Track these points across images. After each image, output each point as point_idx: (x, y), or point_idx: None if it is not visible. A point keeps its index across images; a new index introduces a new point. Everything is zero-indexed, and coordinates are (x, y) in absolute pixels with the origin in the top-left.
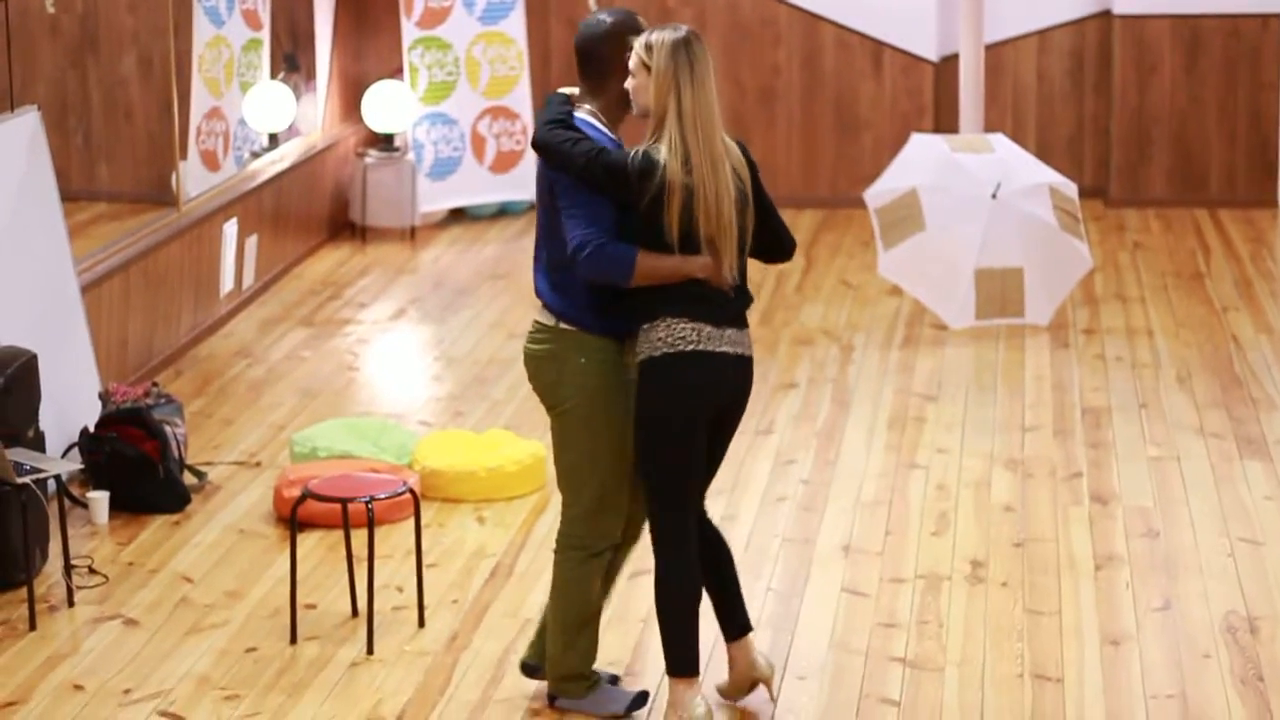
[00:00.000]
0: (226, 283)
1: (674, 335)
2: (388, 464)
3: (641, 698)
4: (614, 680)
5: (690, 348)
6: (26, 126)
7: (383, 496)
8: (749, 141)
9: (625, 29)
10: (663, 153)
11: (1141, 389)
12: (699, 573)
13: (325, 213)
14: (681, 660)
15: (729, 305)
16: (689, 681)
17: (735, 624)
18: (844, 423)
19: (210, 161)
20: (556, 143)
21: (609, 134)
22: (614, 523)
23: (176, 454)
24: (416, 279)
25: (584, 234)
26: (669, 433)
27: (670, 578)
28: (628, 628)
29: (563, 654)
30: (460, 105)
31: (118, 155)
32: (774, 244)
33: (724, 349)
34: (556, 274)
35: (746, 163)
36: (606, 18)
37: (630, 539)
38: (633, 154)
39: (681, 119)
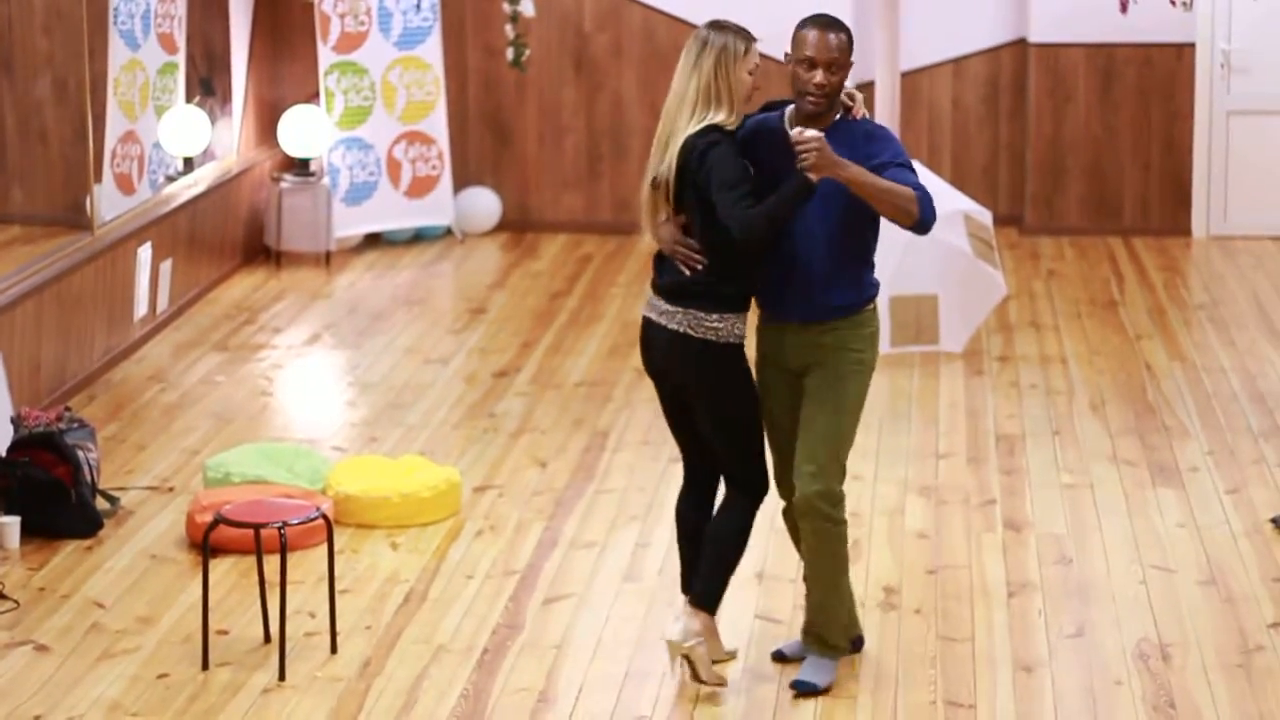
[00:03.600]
0: (140, 307)
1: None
2: (301, 489)
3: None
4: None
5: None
6: None
7: (296, 522)
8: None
9: None
10: None
11: (1055, 416)
12: (682, 512)
13: (240, 237)
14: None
15: (674, 275)
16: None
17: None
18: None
19: (125, 185)
20: None
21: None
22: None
23: (89, 479)
24: (331, 304)
25: None
26: None
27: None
28: (542, 653)
29: None
30: (376, 130)
31: (31, 178)
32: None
33: (649, 315)
34: None
35: (690, 151)
36: None
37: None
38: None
39: None
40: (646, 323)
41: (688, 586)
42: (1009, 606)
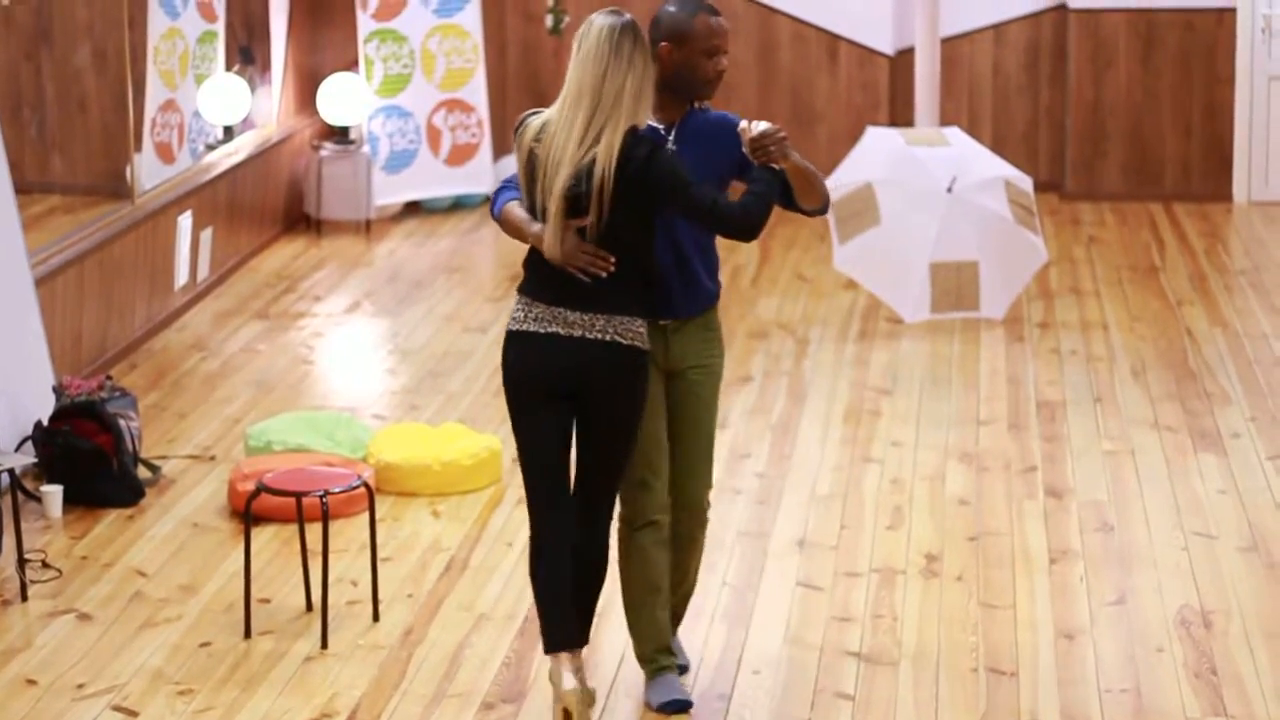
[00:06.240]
0: (181, 276)
1: (514, 311)
2: (342, 458)
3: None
4: (683, 670)
5: (515, 326)
6: None
7: (337, 490)
8: None
9: None
10: (536, 118)
11: (1096, 383)
12: (555, 557)
13: (280, 206)
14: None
15: (577, 285)
16: (554, 657)
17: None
18: (799, 416)
19: (165, 154)
20: None
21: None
22: (645, 500)
23: (130, 448)
24: (371, 272)
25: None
26: (510, 408)
27: (530, 553)
28: None
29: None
30: (415, 98)
31: (72, 147)
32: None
33: (554, 329)
34: None
35: (629, 156)
36: None
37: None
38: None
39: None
40: (549, 338)
41: (576, 639)
42: (1050, 573)
